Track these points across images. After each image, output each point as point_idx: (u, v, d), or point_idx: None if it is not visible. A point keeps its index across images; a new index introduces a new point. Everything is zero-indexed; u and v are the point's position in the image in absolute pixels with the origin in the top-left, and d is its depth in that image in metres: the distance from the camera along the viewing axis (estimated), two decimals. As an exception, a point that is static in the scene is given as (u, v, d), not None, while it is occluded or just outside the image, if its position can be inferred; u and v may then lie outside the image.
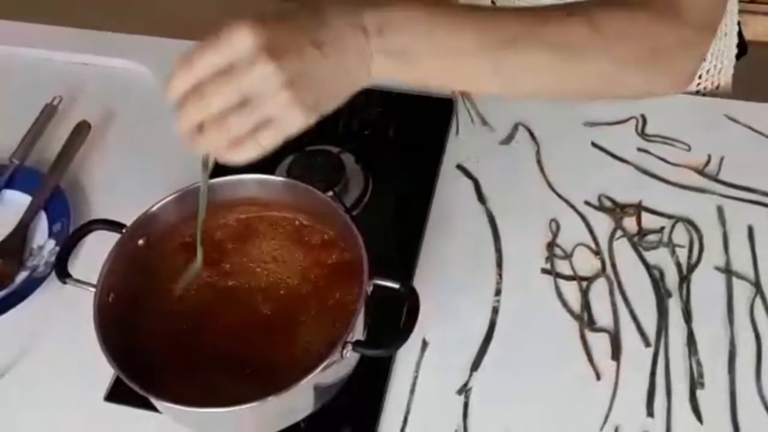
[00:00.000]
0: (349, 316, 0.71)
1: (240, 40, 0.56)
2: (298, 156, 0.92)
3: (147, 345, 0.72)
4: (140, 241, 0.75)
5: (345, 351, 0.66)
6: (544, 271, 0.84)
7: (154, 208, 0.76)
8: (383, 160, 0.95)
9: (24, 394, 0.80)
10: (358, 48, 0.60)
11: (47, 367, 0.82)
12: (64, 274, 0.72)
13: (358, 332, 0.69)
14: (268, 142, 0.59)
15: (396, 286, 0.69)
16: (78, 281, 0.71)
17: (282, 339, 0.73)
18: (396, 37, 0.60)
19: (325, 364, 0.65)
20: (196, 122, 0.59)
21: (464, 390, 0.77)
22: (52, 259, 0.89)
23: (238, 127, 0.58)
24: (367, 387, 0.77)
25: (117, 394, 0.79)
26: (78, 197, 0.96)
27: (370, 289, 0.69)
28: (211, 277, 0.77)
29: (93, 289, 0.70)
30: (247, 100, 0.57)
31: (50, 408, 0.79)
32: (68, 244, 0.73)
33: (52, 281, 0.87)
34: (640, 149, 0.94)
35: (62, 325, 0.85)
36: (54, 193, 0.95)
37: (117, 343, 0.68)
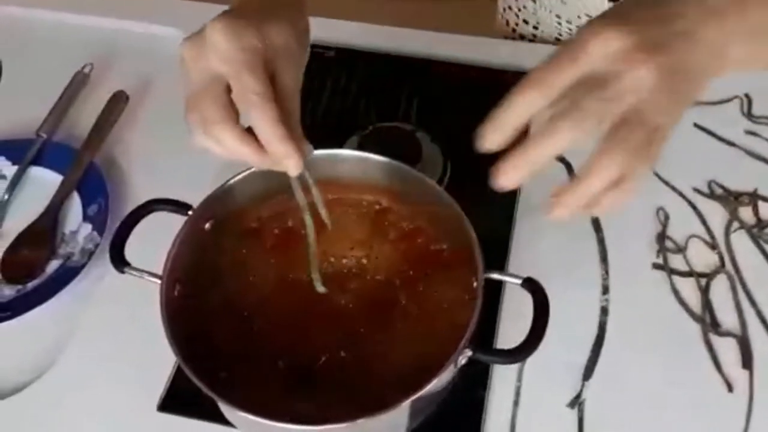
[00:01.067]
0: (456, 317, 0.61)
1: (603, 46, 0.47)
2: (367, 133, 0.81)
3: (218, 346, 0.62)
4: (207, 225, 0.65)
5: (461, 358, 0.56)
6: (656, 266, 0.75)
7: (225, 188, 0.65)
8: (461, 138, 0.84)
9: (61, 400, 0.69)
10: (717, 32, 0.50)
11: (87, 371, 0.71)
12: (121, 262, 0.61)
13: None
14: (658, 153, 0.49)
15: (515, 281, 0.59)
16: (140, 271, 0.60)
17: (373, 342, 0.62)
18: (759, 12, 0.51)
19: (439, 375, 0.54)
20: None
21: (577, 402, 0.67)
22: (90, 245, 0.78)
23: (635, 142, 0.47)
24: (464, 400, 0.67)
25: (172, 403, 0.68)
26: (115, 176, 0.85)
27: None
28: (289, 270, 0.66)
29: (157, 281, 0.59)
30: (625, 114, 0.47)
31: (92, 418, 0.68)
32: (125, 227, 0.62)
33: (90, 271, 0.76)
34: (748, 132, 0.84)
35: (103, 323, 0.74)
36: (88, 171, 0.83)
37: (187, 344, 0.58)
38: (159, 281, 0.59)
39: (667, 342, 0.70)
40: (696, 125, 0.84)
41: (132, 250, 0.64)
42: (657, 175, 0.81)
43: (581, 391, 0.68)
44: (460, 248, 0.63)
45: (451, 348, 0.57)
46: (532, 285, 0.58)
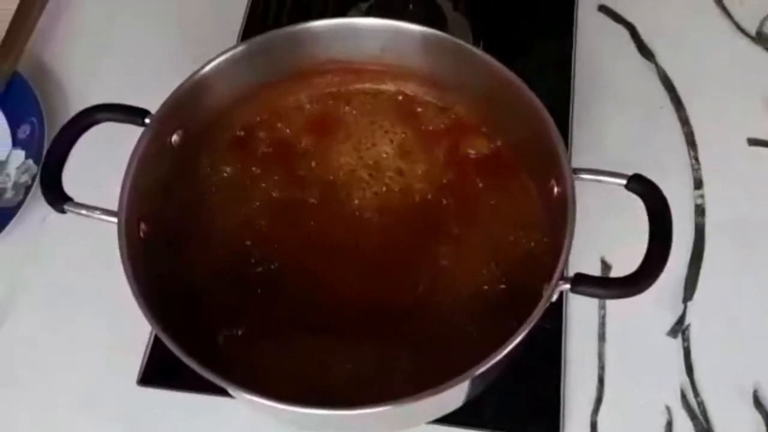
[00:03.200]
0: (530, 238, 0.45)
1: None
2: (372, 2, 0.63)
3: (208, 303, 0.45)
4: (174, 137, 0.47)
5: (554, 292, 0.39)
6: (754, 142, 0.58)
7: (192, 83, 0.46)
8: (490, 4, 0.66)
9: (14, 376, 0.53)
10: None
11: (41, 339, 0.54)
12: (60, 197, 0.43)
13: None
14: None
15: (617, 181, 0.42)
16: (87, 207, 0.43)
17: (412, 279, 0.46)
18: None
19: (529, 323, 0.38)
20: None
21: (679, 330, 0.52)
22: (25, 177, 0.60)
23: None
24: (536, 340, 0.51)
25: (153, 374, 0.52)
26: (48, 86, 0.65)
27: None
28: (291, 190, 0.49)
29: (112, 219, 0.42)
30: None
31: (54, 398, 0.52)
32: (60, 146, 0.43)
33: (29, 210, 0.58)
34: None
35: (53, 277, 0.57)
36: (11, 84, 0.64)
37: (165, 303, 0.41)
38: (114, 220, 0.41)
39: (784, 243, 0.55)
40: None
41: (75, 178, 0.46)
42: (746, 33, 0.63)
43: (683, 314, 0.52)
44: (522, 142, 0.47)
45: (531, 283, 0.42)
46: (643, 185, 0.41)
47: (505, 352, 0.38)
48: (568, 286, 0.39)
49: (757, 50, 0.62)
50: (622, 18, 0.65)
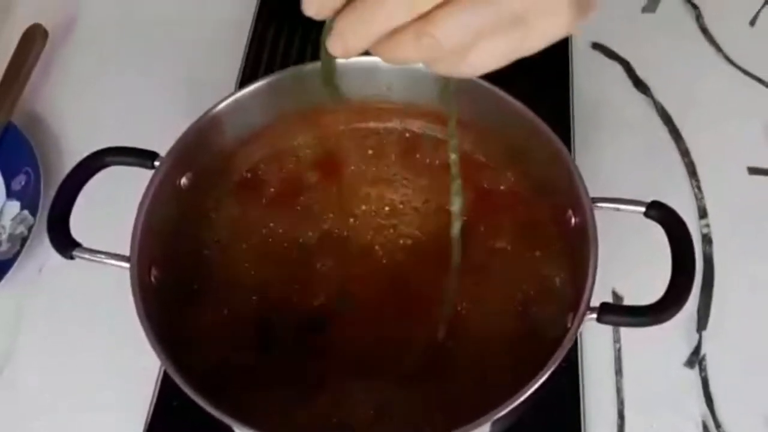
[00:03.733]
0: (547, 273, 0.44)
1: None
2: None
3: (222, 350, 0.44)
4: (183, 180, 0.46)
5: (581, 323, 0.39)
6: (754, 171, 0.59)
7: (200, 126, 0.46)
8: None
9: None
10: None
11: (43, 392, 0.52)
12: (68, 243, 0.41)
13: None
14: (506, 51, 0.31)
15: (636, 209, 0.42)
16: (96, 252, 0.41)
17: (429, 320, 0.45)
18: None
19: (554, 360, 0.38)
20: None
21: (696, 360, 0.52)
22: (21, 229, 0.58)
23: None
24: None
25: (160, 425, 0.50)
26: (42, 136, 0.64)
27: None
28: (300, 231, 0.48)
29: (124, 264, 0.40)
30: None
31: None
32: (67, 192, 0.42)
33: (26, 262, 0.56)
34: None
35: (53, 329, 0.55)
36: (5, 134, 0.63)
37: (178, 349, 0.40)
38: (126, 265, 0.40)
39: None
40: None
41: (80, 225, 0.45)
42: (735, 64, 0.65)
43: (699, 344, 0.52)
44: (536, 175, 0.47)
45: (552, 318, 0.41)
46: (662, 212, 0.41)
47: (531, 391, 0.37)
48: (594, 315, 0.39)
49: (747, 80, 0.64)
50: (616, 54, 0.66)
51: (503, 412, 0.36)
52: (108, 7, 0.73)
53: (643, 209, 0.42)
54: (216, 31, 0.69)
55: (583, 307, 0.38)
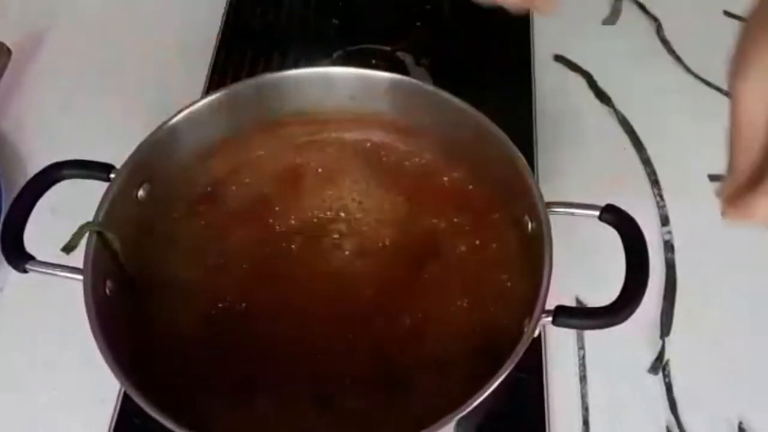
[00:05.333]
0: (506, 274, 0.44)
1: None
2: (340, 57, 0.63)
3: (179, 365, 0.43)
4: (140, 192, 0.46)
5: (536, 326, 0.39)
6: (715, 178, 0.59)
7: (158, 137, 0.46)
8: (450, 57, 0.67)
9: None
10: None
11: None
12: (22, 256, 0.41)
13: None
14: None
15: (590, 213, 0.43)
16: (50, 266, 0.41)
17: (392, 327, 0.45)
18: None
19: (507, 365, 0.37)
20: None
21: (659, 366, 0.52)
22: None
23: None
24: (515, 385, 0.50)
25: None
26: (5, 153, 0.64)
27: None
28: (260, 243, 0.48)
29: (77, 277, 0.40)
30: None
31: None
32: (21, 206, 0.42)
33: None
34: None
35: (10, 345, 0.54)
36: (-33, 151, 0.63)
37: (135, 365, 0.39)
38: (80, 277, 0.40)
39: (756, 274, 0.55)
40: (727, 13, 0.70)
41: (35, 238, 0.44)
42: (695, 74, 0.65)
43: (662, 350, 0.52)
44: (492, 180, 0.47)
45: (509, 322, 0.41)
46: (616, 215, 0.41)
47: (489, 391, 0.37)
48: (549, 318, 0.39)
49: (707, 90, 0.64)
50: (578, 66, 0.66)
51: (458, 417, 0.36)
52: (73, 25, 0.73)
53: (597, 213, 0.42)
54: (182, 49, 0.69)
55: (538, 309, 0.38)
